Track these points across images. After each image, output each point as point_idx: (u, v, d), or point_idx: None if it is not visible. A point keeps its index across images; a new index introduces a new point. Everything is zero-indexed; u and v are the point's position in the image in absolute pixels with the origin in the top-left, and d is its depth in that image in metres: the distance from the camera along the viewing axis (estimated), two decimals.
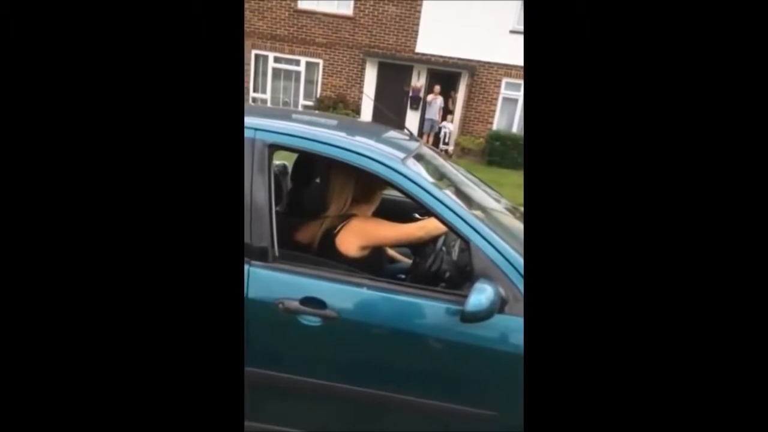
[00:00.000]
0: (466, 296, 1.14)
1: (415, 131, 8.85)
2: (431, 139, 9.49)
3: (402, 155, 1.39)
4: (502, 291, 1.18)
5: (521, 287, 1.21)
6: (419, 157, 1.56)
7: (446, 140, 9.79)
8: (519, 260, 1.23)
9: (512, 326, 1.21)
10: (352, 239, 1.47)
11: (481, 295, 1.12)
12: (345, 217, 1.52)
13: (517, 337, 1.21)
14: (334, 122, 1.91)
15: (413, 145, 1.70)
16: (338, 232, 1.49)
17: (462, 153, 9.53)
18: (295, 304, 1.24)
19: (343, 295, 1.26)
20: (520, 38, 9.28)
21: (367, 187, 1.57)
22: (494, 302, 1.12)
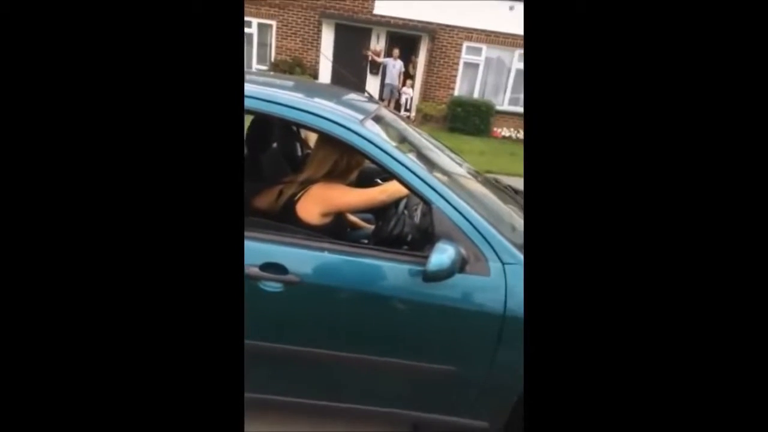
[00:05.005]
0: (427, 257, 1.15)
1: (375, 97, 8.68)
2: (392, 106, 9.36)
3: (360, 116, 1.36)
4: (463, 251, 1.20)
5: (482, 247, 1.24)
6: (378, 119, 1.53)
7: (407, 106, 9.69)
8: (480, 221, 1.25)
9: (472, 285, 1.24)
10: (313, 206, 1.44)
11: (442, 255, 1.13)
12: (305, 184, 1.48)
13: (477, 296, 1.25)
14: (290, 83, 1.84)
15: (372, 106, 1.66)
16: (298, 199, 1.46)
17: (423, 120, 9.49)
18: (255, 270, 1.21)
19: (304, 259, 1.24)
20: (481, 0, 9.18)
21: (348, 165, 1.52)
22: (455, 261, 1.14)
